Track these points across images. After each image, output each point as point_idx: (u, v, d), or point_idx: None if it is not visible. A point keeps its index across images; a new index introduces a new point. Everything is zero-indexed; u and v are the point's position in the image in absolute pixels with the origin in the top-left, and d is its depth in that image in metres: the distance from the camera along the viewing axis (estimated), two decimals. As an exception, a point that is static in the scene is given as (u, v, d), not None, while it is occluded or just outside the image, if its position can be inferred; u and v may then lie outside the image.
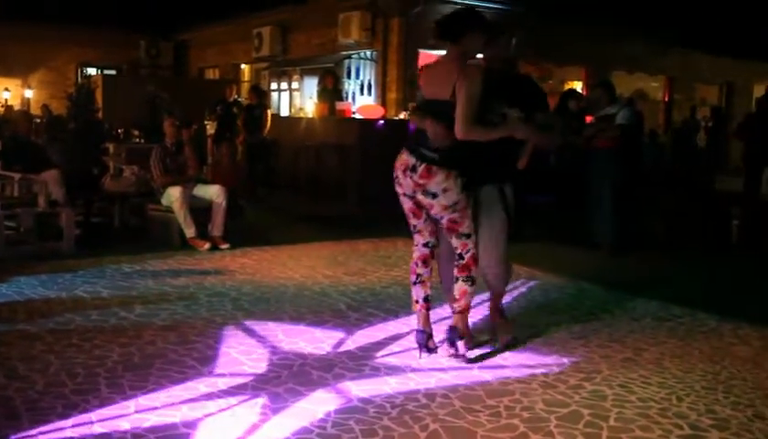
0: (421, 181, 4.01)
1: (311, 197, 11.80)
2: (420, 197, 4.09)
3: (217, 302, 5.45)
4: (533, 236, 8.02)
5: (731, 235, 8.67)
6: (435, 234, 4.32)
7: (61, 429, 3.25)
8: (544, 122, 4.18)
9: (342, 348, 4.50)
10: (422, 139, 4.05)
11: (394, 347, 4.54)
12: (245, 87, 15.77)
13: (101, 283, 5.93)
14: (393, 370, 4.13)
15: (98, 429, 3.27)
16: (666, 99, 20.57)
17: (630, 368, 4.29)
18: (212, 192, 7.60)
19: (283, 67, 17.95)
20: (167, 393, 3.69)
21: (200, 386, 3.81)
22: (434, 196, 4.02)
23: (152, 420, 3.37)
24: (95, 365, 4.04)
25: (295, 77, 17.75)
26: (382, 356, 4.38)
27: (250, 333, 4.75)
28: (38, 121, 15.02)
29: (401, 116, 12.37)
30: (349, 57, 15.55)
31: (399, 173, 4.15)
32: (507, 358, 4.39)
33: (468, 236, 4.16)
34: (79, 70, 22.38)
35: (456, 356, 4.21)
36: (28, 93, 22.15)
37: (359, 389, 3.84)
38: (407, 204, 4.25)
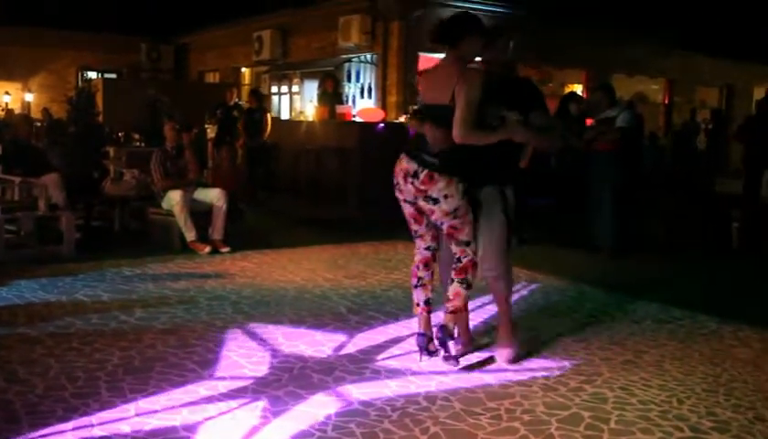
0: (422, 187, 3.99)
1: (311, 200, 11.80)
2: (421, 202, 4.07)
3: (217, 305, 5.45)
4: (534, 239, 8.03)
5: (732, 237, 8.66)
6: (437, 239, 4.31)
7: (62, 432, 3.25)
8: (543, 124, 4.16)
9: (342, 351, 4.50)
10: (422, 144, 4.04)
11: (395, 350, 4.53)
12: (245, 90, 15.78)
13: (102, 286, 5.93)
14: (394, 373, 4.13)
15: (98, 432, 3.27)
16: (667, 101, 20.59)
17: (631, 370, 4.29)
18: (212, 195, 7.60)
19: (284, 70, 17.97)
20: (168, 397, 3.69)
21: (200, 389, 3.81)
22: (436, 201, 4.00)
23: (152, 423, 3.37)
24: (95, 368, 4.04)
25: (296, 80, 17.77)
26: (383, 359, 4.38)
27: (251, 336, 4.75)
28: (39, 124, 15.03)
29: (401, 119, 12.38)
30: (349, 60, 15.57)
31: (399, 179, 4.12)
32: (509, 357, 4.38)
33: (467, 243, 4.13)
34: (79, 74, 22.43)
35: (447, 357, 4.17)
36: (29, 97, 22.18)
37: (360, 392, 3.84)
38: (408, 210, 4.24)
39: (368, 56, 15.24)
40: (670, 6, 16.96)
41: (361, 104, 15.09)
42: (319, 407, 3.62)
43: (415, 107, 4.54)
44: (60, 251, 7.00)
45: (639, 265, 7.62)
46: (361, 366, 4.23)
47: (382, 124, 12.01)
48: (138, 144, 12.70)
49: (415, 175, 4.00)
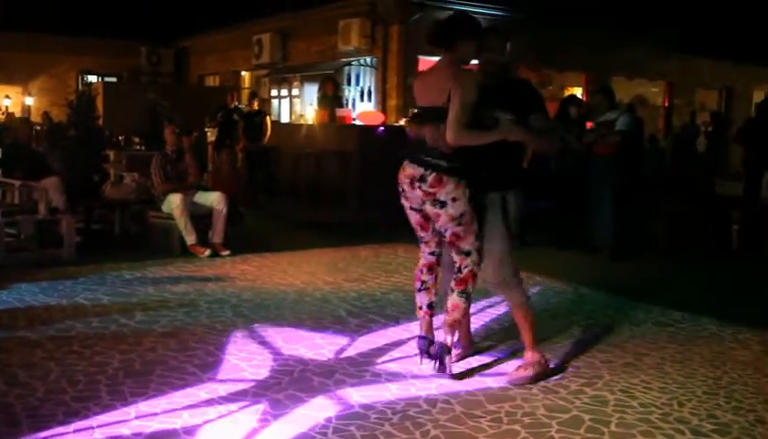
0: (431, 190, 3.93)
1: (311, 203, 11.81)
2: (428, 207, 4.00)
3: (217, 308, 5.45)
4: (533, 241, 8.03)
5: (732, 239, 8.67)
6: (441, 244, 4.27)
7: (62, 436, 3.25)
8: (542, 127, 4.13)
9: (343, 355, 4.50)
10: (423, 148, 3.99)
11: (395, 354, 4.53)
12: (245, 94, 15.80)
13: (102, 290, 5.93)
14: (394, 376, 4.13)
15: (99, 436, 3.27)
16: (666, 104, 20.61)
17: (631, 373, 4.28)
18: (213, 199, 7.60)
19: (284, 74, 17.98)
20: (168, 400, 3.69)
21: (201, 392, 3.81)
22: (443, 205, 3.94)
23: (153, 426, 3.37)
24: (96, 372, 4.04)
25: (295, 84, 17.78)
26: (383, 362, 4.38)
27: (251, 339, 4.75)
28: (39, 128, 15.05)
29: (401, 122, 12.40)
30: (349, 64, 15.59)
31: (405, 186, 4.07)
32: (508, 363, 4.38)
33: (468, 253, 4.05)
34: (79, 78, 22.46)
35: (444, 372, 4.08)
36: (29, 101, 22.20)
37: (360, 395, 3.83)
38: (414, 217, 4.20)
39: (368, 59, 15.26)
40: (670, 9, 16.98)
41: (361, 107, 15.10)
42: (319, 410, 3.62)
43: (415, 110, 4.49)
44: (61, 255, 7.00)
45: (639, 267, 7.62)
46: (361, 369, 4.23)
47: (382, 128, 12.03)
48: (138, 147, 12.71)
49: (422, 179, 3.94)
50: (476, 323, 5.07)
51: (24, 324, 4.92)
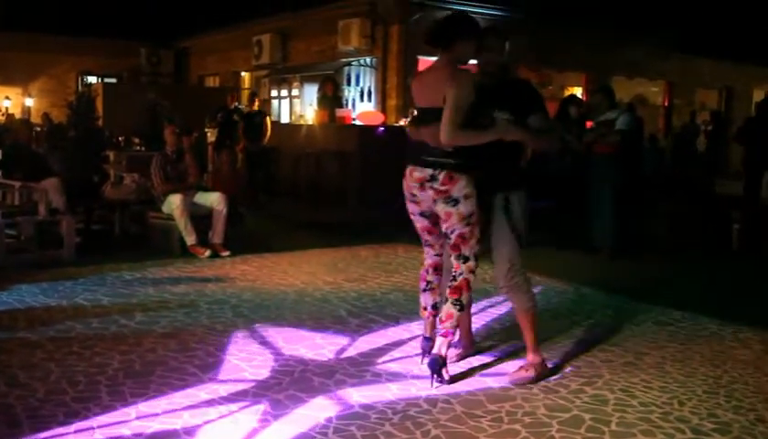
0: (443, 188, 3.89)
1: (311, 203, 11.82)
2: (440, 206, 3.94)
3: (217, 309, 5.45)
4: (533, 241, 8.02)
5: (732, 239, 8.67)
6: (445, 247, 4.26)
7: (62, 436, 3.25)
8: (542, 127, 4.11)
9: (343, 355, 4.49)
10: (426, 150, 3.95)
11: (395, 354, 4.53)
12: (245, 94, 15.82)
13: (102, 290, 5.93)
14: (394, 376, 4.13)
15: (99, 436, 3.27)
16: (666, 103, 20.61)
17: (631, 372, 4.28)
18: (213, 199, 7.60)
19: (283, 74, 17.98)
20: (168, 400, 3.69)
21: (201, 393, 3.81)
22: (456, 203, 3.89)
23: (153, 427, 3.37)
24: (96, 372, 4.04)
25: (295, 84, 17.78)
26: (383, 362, 4.38)
27: (251, 340, 4.75)
28: (39, 129, 15.06)
29: (401, 123, 12.40)
30: (349, 64, 15.59)
31: (414, 191, 4.03)
32: (509, 363, 4.38)
33: (466, 259, 4.00)
34: (79, 79, 22.46)
35: (442, 382, 4.01)
36: (29, 102, 22.21)
37: (361, 395, 3.83)
38: (421, 223, 4.18)
39: (368, 59, 15.26)
40: (670, 9, 16.98)
41: (361, 108, 15.10)
42: (320, 410, 3.62)
43: (415, 113, 4.45)
44: (61, 256, 7.00)
45: (639, 267, 7.62)
46: (362, 369, 4.23)
47: (382, 128, 12.04)
48: (138, 148, 12.71)
49: (433, 178, 3.90)
50: (477, 322, 5.07)
51: (24, 325, 4.92)
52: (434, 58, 4.13)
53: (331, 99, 13.08)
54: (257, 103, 12.80)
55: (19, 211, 7.55)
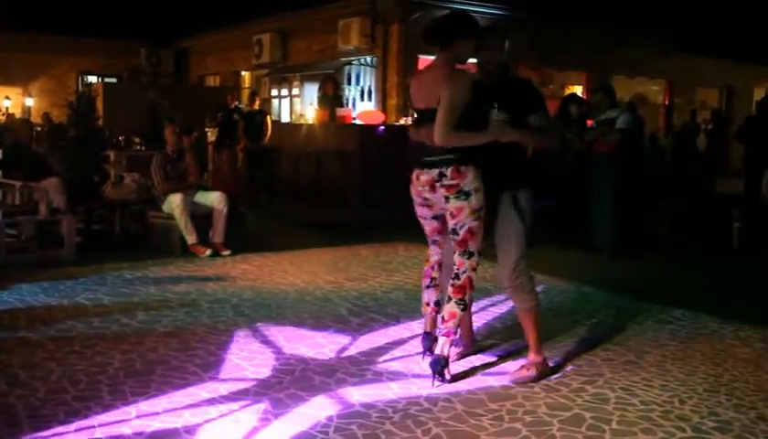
0: (453, 182, 3.87)
1: (312, 203, 11.81)
2: (452, 203, 3.90)
3: (218, 308, 5.45)
4: (535, 240, 8.01)
5: (732, 237, 8.66)
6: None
7: (63, 435, 3.25)
8: (542, 125, 4.10)
9: (344, 354, 4.49)
10: (428, 151, 3.95)
11: (396, 352, 4.53)
12: (245, 94, 15.82)
13: (103, 290, 5.93)
14: (395, 375, 4.13)
15: (100, 435, 3.27)
16: (667, 102, 20.61)
17: (632, 371, 4.28)
18: (213, 199, 7.60)
19: (284, 73, 17.98)
20: (169, 399, 3.69)
21: (202, 392, 3.81)
22: (467, 196, 3.87)
23: (154, 426, 3.37)
24: (97, 372, 4.04)
25: (295, 83, 17.78)
26: (384, 361, 4.38)
27: (252, 339, 4.75)
28: (39, 129, 15.06)
29: (402, 122, 12.40)
30: (349, 63, 15.59)
31: (426, 194, 4.02)
32: (510, 362, 4.38)
33: (471, 255, 3.98)
34: (79, 79, 22.46)
35: (443, 381, 4.00)
36: (29, 102, 22.21)
37: (361, 394, 3.83)
38: (431, 225, 4.19)
39: (368, 58, 15.26)
40: (670, 8, 16.97)
41: (361, 107, 15.11)
42: (321, 409, 3.62)
43: (415, 115, 4.43)
44: (61, 255, 7.00)
45: (640, 266, 7.61)
46: (363, 368, 4.23)
47: (382, 127, 12.03)
48: (138, 147, 12.71)
49: (441, 176, 3.90)
50: (478, 321, 5.06)
51: (25, 324, 4.93)
52: (435, 57, 4.12)
53: (331, 98, 13.09)
54: (257, 103, 12.80)
55: (20, 211, 7.55)
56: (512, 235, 4.05)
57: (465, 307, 4.04)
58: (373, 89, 15.24)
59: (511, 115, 4.00)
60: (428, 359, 4.15)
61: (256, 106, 12.59)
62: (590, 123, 8.48)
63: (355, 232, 9.05)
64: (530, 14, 14.48)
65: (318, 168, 12.16)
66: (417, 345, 4.52)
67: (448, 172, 3.88)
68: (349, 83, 15.80)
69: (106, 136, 12.06)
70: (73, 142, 10.42)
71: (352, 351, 4.54)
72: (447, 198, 3.92)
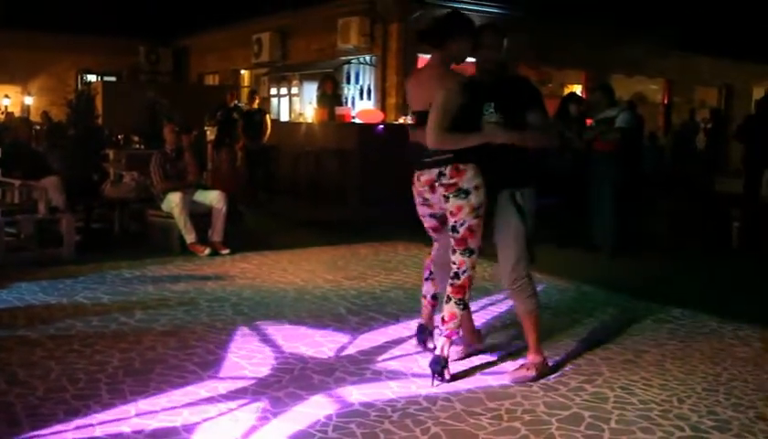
0: (452, 181, 3.86)
1: (311, 201, 11.81)
2: (451, 202, 3.89)
3: (217, 307, 5.45)
4: (535, 239, 8.01)
5: (732, 236, 8.67)
6: None
7: (62, 434, 3.25)
8: (538, 123, 4.03)
9: (343, 353, 4.50)
10: (425, 152, 3.95)
11: (395, 351, 4.53)
12: (245, 92, 15.82)
13: (102, 288, 5.93)
14: (394, 374, 4.13)
15: (99, 434, 3.27)
16: (666, 101, 20.61)
17: (631, 370, 4.28)
18: (212, 197, 7.60)
19: (283, 72, 17.98)
20: (168, 398, 3.69)
21: (201, 390, 3.81)
22: (467, 194, 3.86)
23: (153, 424, 3.37)
24: (96, 370, 4.04)
25: (295, 82, 17.77)
26: (383, 360, 4.38)
27: (251, 337, 4.75)
28: (39, 127, 15.03)
29: (401, 121, 12.40)
30: (349, 62, 15.59)
31: (426, 194, 4.03)
32: (508, 361, 4.38)
33: (471, 253, 3.96)
34: (78, 77, 22.45)
35: (443, 381, 3.99)
36: (28, 100, 22.20)
37: (360, 393, 3.83)
38: (430, 223, 4.20)
39: (368, 57, 15.25)
40: (669, 6, 16.97)
41: (360, 106, 15.10)
42: (319, 408, 3.62)
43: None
44: (60, 254, 7.00)
45: (639, 265, 7.62)
46: (362, 367, 4.23)
47: (381, 126, 12.03)
48: (138, 146, 12.71)
49: (440, 176, 3.90)
50: (478, 321, 5.04)
51: (24, 323, 4.93)
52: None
53: (331, 97, 13.09)
54: (257, 101, 12.80)
55: (19, 210, 7.54)
56: (511, 236, 4.04)
57: (465, 307, 4.04)
58: (372, 88, 15.24)
59: (509, 114, 3.98)
60: (428, 357, 4.16)
61: (255, 105, 12.60)
62: (589, 122, 8.49)
63: (354, 231, 9.05)
64: (529, 13, 14.48)
65: (317, 167, 12.16)
66: (416, 344, 4.53)
67: (447, 171, 3.88)
68: (348, 82, 15.80)
69: (105, 135, 12.05)
70: (72, 140, 10.40)
71: (351, 350, 4.54)
72: (447, 198, 3.92)
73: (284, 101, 18.32)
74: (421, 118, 3.99)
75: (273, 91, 18.67)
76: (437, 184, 3.93)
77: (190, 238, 7.39)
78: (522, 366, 4.14)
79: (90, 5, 20.00)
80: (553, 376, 4.13)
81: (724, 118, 19.13)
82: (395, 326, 5.06)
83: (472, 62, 4.16)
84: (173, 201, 7.42)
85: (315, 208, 11.34)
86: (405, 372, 4.16)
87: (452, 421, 3.51)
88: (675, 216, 8.98)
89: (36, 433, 3.25)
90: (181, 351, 4.40)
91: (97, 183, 9.10)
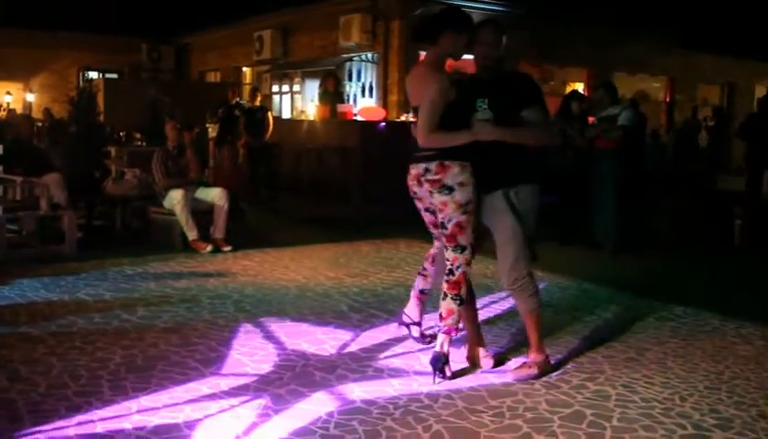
0: (436, 177, 3.88)
1: (312, 199, 11.81)
2: (436, 197, 3.92)
3: (219, 304, 5.45)
4: (537, 236, 8.01)
5: (734, 234, 8.66)
6: None
7: (64, 430, 3.25)
8: (535, 120, 3.95)
9: (345, 350, 4.49)
10: (418, 147, 3.97)
11: (397, 349, 4.53)
12: (246, 90, 15.81)
13: (104, 285, 5.93)
14: (396, 372, 4.13)
15: (100, 430, 3.27)
16: (668, 99, 20.57)
17: (633, 367, 4.28)
18: (214, 195, 7.60)
19: (285, 69, 17.97)
20: (170, 395, 3.69)
21: (203, 387, 3.81)
22: (450, 190, 3.87)
23: (154, 421, 3.37)
24: (98, 367, 4.04)
25: (296, 79, 17.77)
26: (385, 357, 4.38)
27: (253, 334, 4.75)
28: (40, 124, 15.04)
29: (403, 118, 12.39)
30: (350, 59, 15.58)
31: (414, 188, 4.06)
32: (511, 358, 4.38)
33: (464, 249, 3.97)
34: (80, 74, 22.44)
35: (444, 378, 3.99)
36: (30, 97, 22.20)
37: (362, 390, 3.83)
38: (427, 217, 4.20)
39: (369, 55, 15.24)
40: (671, 4, 16.94)
41: (362, 103, 15.09)
42: (321, 405, 3.62)
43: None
44: (62, 251, 7.00)
45: (642, 262, 7.61)
46: (363, 364, 4.23)
47: (383, 123, 12.02)
48: (139, 143, 12.70)
49: (426, 171, 3.91)
50: (479, 318, 5.05)
51: (26, 319, 4.93)
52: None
53: (332, 94, 13.08)
54: (259, 99, 12.80)
55: (21, 206, 7.54)
56: (508, 236, 4.00)
57: (462, 302, 4.03)
58: (374, 85, 15.22)
59: (504, 110, 3.93)
60: (404, 330, 4.41)
61: (257, 102, 12.60)
62: (591, 119, 8.47)
63: (356, 228, 9.05)
64: (531, 10, 14.46)
65: (319, 164, 12.15)
66: (418, 343, 4.54)
67: (432, 167, 3.90)
68: (350, 79, 15.79)
69: (107, 132, 12.04)
70: (74, 137, 10.40)
71: (353, 347, 4.54)
72: (431, 193, 3.95)
73: (286, 98, 18.32)
74: (417, 112, 4.03)
75: (275, 88, 18.66)
76: (423, 179, 3.95)
77: (192, 235, 7.39)
78: (524, 364, 4.14)
79: (91, 3, 20.00)
80: (555, 374, 4.13)
81: (726, 116, 19.13)
82: (396, 323, 5.05)
83: (470, 59, 4.13)
84: (175, 198, 7.42)
85: (317, 205, 11.33)
86: (407, 370, 4.16)
87: (453, 418, 3.51)
88: (677, 214, 8.99)
89: (37, 429, 3.25)
90: (183, 348, 4.40)
91: (99, 180, 9.10)
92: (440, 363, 3.96)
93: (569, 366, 4.28)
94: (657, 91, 20.67)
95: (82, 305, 5.31)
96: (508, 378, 4.05)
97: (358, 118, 12.70)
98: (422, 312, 4.63)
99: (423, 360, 4.22)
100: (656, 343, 4.77)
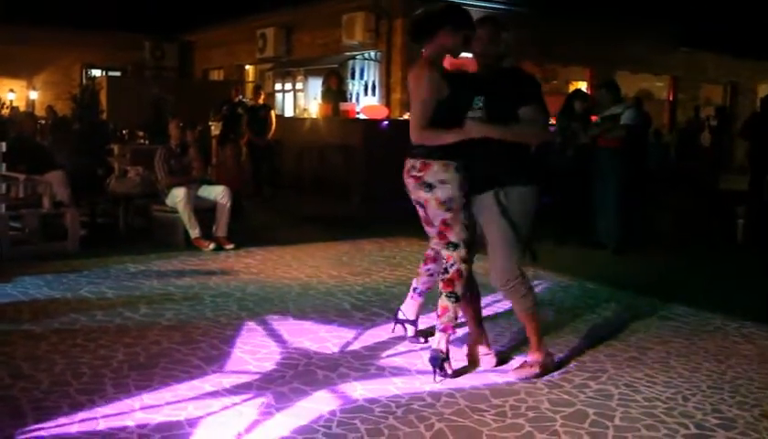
0: (419, 174, 3.91)
1: (315, 197, 11.82)
2: (420, 193, 3.96)
3: (221, 302, 5.46)
4: (538, 236, 8.00)
5: (736, 233, 8.66)
6: None
7: (67, 428, 3.26)
8: (530, 117, 3.89)
9: (347, 348, 4.50)
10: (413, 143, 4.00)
11: (399, 347, 4.53)
12: (249, 88, 15.82)
13: (106, 283, 5.93)
14: (398, 370, 4.13)
15: (103, 428, 3.27)
16: (671, 98, 20.56)
17: (635, 367, 4.28)
18: (217, 193, 7.61)
19: (287, 67, 17.97)
20: (172, 392, 3.69)
21: (205, 385, 3.81)
22: (430, 188, 3.89)
23: (157, 419, 3.38)
24: (100, 365, 4.04)
25: (299, 78, 17.77)
26: (387, 355, 4.38)
27: (255, 332, 4.75)
28: (43, 122, 15.06)
29: (406, 116, 12.38)
30: (353, 57, 15.57)
31: (405, 180, 4.08)
32: (513, 357, 4.38)
33: (456, 246, 3.95)
34: (83, 72, 22.47)
35: (445, 376, 3.98)
36: (33, 95, 22.24)
37: (364, 388, 3.84)
38: (420, 212, 4.21)
39: (372, 53, 15.24)
40: (674, 3, 16.93)
41: (365, 101, 15.08)
42: (323, 403, 3.62)
43: None
44: (65, 248, 7.01)
45: (644, 262, 7.60)
46: (366, 363, 4.23)
47: (386, 122, 12.02)
48: (142, 141, 12.69)
49: (413, 168, 3.96)
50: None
51: (28, 317, 4.93)
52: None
53: (335, 92, 13.07)
54: (262, 97, 12.80)
55: (24, 204, 7.55)
56: (498, 237, 3.96)
57: (458, 299, 4.00)
58: (377, 83, 15.23)
59: (499, 108, 3.90)
60: (399, 329, 4.48)
61: (261, 100, 12.60)
62: (594, 118, 8.47)
63: (358, 227, 9.05)
64: (533, 9, 14.46)
65: (322, 163, 12.16)
66: (421, 342, 4.54)
67: (417, 163, 3.94)
68: (353, 78, 15.78)
69: (110, 130, 12.05)
70: (77, 135, 10.41)
71: (355, 346, 4.54)
72: (416, 189, 4.00)
73: (289, 96, 18.31)
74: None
75: (278, 86, 18.66)
76: (411, 173, 3.99)
77: (195, 233, 7.39)
78: (526, 363, 4.14)
79: (95, 1, 20.02)
80: (557, 373, 4.13)
81: (729, 115, 19.10)
82: (393, 321, 5.05)
83: (468, 56, 4.13)
84: (177, 196, 7.42)
85: (320, 203, 11.34)
86: (409, 368, 4.16)
87: (455, 417, 3.51)
88: (679, 213, 8.99)
89: (40, 426, 3.26)
90: (185, 346, 4.41)
91: (101, 178, 9.11)
92: (438, 361, 3.96)
93: (571, 365, 4.28)
94: (660, 90, 20.66)
95: (85, 303, 5.32)
96: (510, 377, 4.05)
97: (361, 116, 12.71)
98: (419, 312, 4.65)
99: (425, 359, 4.20)
100: (658, 342, 4.77)
